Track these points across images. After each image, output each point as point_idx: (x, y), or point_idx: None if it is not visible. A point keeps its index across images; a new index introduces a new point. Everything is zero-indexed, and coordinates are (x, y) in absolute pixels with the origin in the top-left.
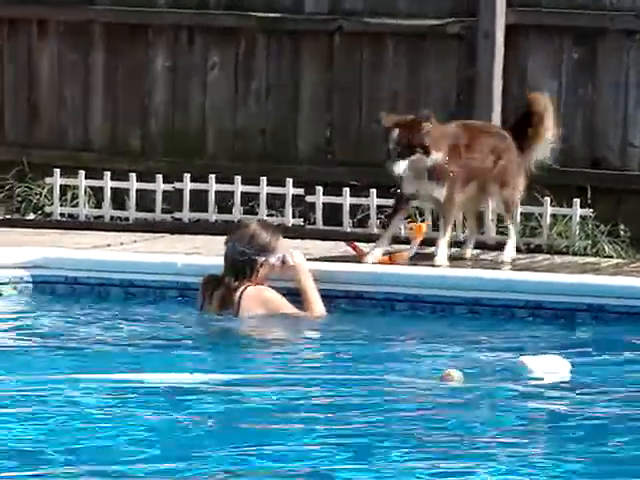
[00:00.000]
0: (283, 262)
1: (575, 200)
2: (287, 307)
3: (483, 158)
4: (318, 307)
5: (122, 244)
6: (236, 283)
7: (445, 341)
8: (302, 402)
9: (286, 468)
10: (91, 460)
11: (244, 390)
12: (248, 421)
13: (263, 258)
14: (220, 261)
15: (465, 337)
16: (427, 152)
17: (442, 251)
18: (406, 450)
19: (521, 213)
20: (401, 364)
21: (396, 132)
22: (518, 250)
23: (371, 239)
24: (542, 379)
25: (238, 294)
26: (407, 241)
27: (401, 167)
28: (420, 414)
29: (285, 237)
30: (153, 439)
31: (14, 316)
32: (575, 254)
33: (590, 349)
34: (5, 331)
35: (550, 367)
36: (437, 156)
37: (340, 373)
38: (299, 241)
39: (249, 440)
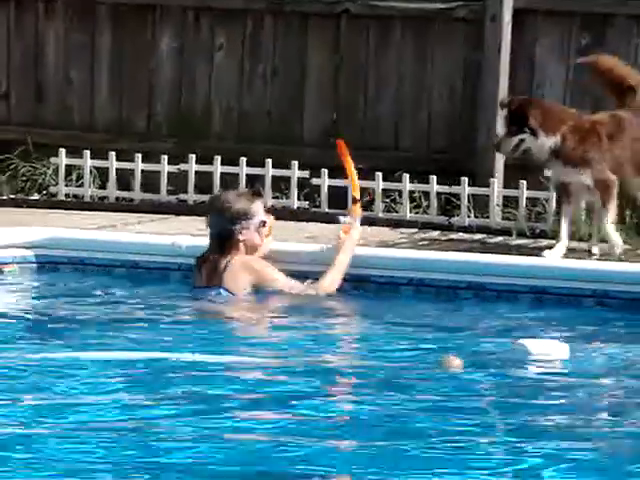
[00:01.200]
0: (264, 225)
1: None
2: (279, 279)
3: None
4: (326, 282)
5: (126, 225)
6: (220, 257)
7: (446, 327)
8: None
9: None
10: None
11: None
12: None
13: (239, 225)
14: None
15: (465, 322)
16: (535, 134)
17: (613, 235)
18: (407, 437)
19: (527, 198)
20: (399, 350)
21: (504, 111)
22: (522, 235)
23: (376, 222)
24: (542, 361)
25: (222, 266)
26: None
27: (504, 146)
28: (421, 399)
29: (290, 219)
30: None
31: (17, 295)
32: (581, 240)
33: (592, 334)
34: (7, 311)
35: (549, 350)
36: (554, 139)
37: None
38: (304, 224)
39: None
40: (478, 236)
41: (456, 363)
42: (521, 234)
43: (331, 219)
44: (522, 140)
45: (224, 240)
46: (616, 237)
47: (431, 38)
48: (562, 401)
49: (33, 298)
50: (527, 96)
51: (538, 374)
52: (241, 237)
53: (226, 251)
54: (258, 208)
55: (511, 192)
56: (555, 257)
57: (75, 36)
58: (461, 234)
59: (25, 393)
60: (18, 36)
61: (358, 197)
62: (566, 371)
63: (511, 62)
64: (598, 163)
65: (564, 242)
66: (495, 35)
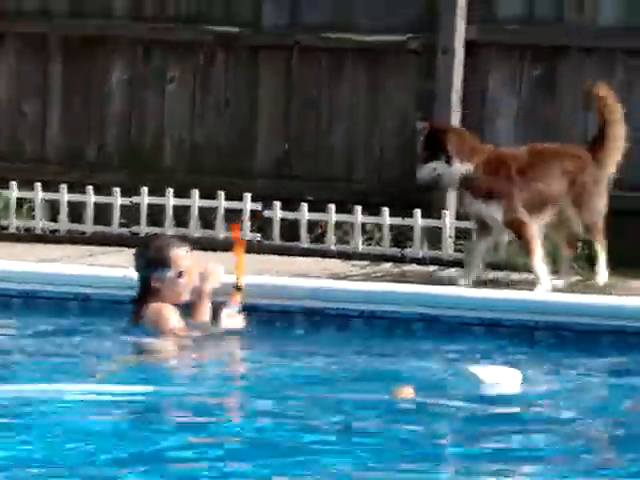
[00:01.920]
0: (180, 275)
1: None
2: (167, 331)
3: (553, 182)
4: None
5: (79, 257)
6: (140, 300)
7: (398, 356)
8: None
9: None
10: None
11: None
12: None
13: (155, 275)
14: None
15: (417, 351)
16: (449, 161)
17: (539, 271)
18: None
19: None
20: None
21: (421, 138)
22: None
23: (327, 254)
24: (493, 389)
25: (141, 310)
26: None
27: (420, 172)
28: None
29: (244, 252)
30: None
31: None
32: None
33: (547, 365)
34: None
35: (501, 377)
36: (465, 168)
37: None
38: (256, 256)
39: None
40: (431, 268)
41: (407, 392)
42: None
43: (284, 251)
44: (435, 167)
45: (141, 285)
46: (541, 273)
47: (384, 70)
48: (514, 428)
49: None
50: (445, 123)
51: (490, 401)
52: (159, 285)
53: (144, 296)
54: (177, 258)
55: (463, 224)
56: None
57: (26, 69)
58: (414, 266)
59: None
60: None
61: (241, 286)
62: (518, 397)
63: (463, 94)
64: (507, 200)
65: (472, 274)
66: (447, 67)
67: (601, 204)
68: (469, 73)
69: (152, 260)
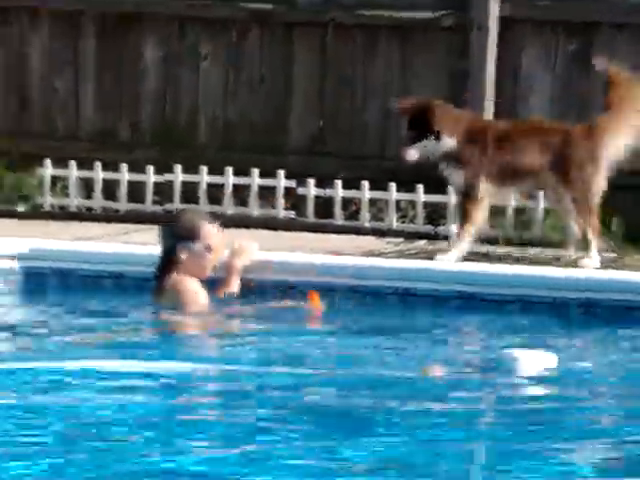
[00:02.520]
0: (208, 249)
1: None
2: (191, 305)
3: (530, 154)
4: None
5: (109, 235)
6: (162, 274)
7: (433, 335)
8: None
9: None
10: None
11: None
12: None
13: (182, 245)
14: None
15: (453, 331)
16: (438, 137)
17: (454, 252)
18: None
19: (514, 207)
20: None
21: (405, 117)
22: (510, 243)
23: (362, 232)
24: (529, 372)
25: (163, 285)
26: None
27: (410, 153)
28: (405, 407)
29: (275, 229)
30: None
31: (2, 306)
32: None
33: (581, 343)
34: None
35: (537, 360)
36: (451, 142)
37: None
38: (290, 233)
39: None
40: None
41: (436, 369)
42: (509, 242)
43: (317, 228)
44: (425, 145)
45: (166, 258)
46: (460, 247)
47: (417, 47)
48: (550, 412)
49: (17, 308)
50: (427, 100)
51: (526, 384)
52: (184, 258)
53: (166, 268)
54: (206, 231)
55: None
56: (451, 261)
57: (60, 45)
58: (447, 243)
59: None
60: (2, 46)
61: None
62: (554, 381)
63: (497, 71)
64: (471, 167)
65: (462, 246)
66: (481, 44)
67: (594, 183)
68: (502, 50)
69: (182, 230)
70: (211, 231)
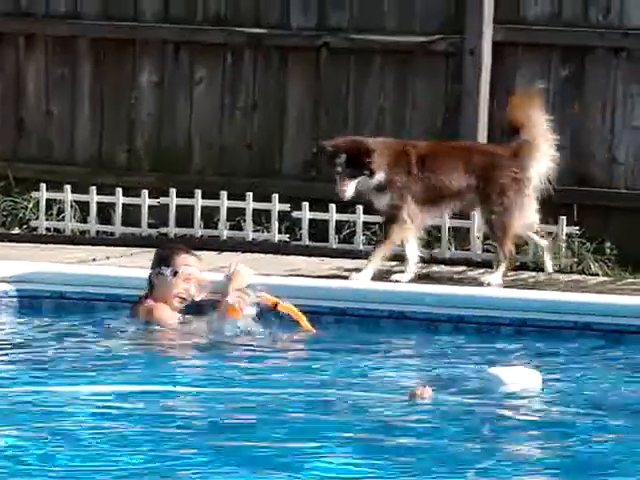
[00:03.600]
0: (175, 274)
1: (561, 218)
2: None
3: (454, 177)
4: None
5: (108, 258)
6: (143, 298)
7: (417, 356)
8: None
9: None
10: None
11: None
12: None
13: (156, 271)
14: (207, 275)
15: (440, 352)
16: (372, 173)
17: (367, 272)
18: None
19: None
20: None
21: (343, 156)
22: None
23: (357, 256)
24: (514, 390)
25: (136, 308)
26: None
27: (347, 191)
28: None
29: (269, 253)
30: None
31: None
32: (561, 271)
33: (571, 365)
34: None
35: (520, 378)
36: (381, 175)
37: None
38: (284, 257)
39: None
40: (459, 268)
41: (424, 391)
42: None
43: (312, 252)
44: (359, 181)
45: (148, 283)
46: (372, 268)
47: (411, 71)
48: (535, 430)
49: (14, 332)
50: (349, 137)
51: (511, 402)
52: (156, 283)
53: (147, 293)
54: (178, 259)
55: None
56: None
57: (56, 70)
58: (442, 266)
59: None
60: None
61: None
62: (538, 399)
63: (491, 94)
64: (396, 193)
65: (409, 270)
66: (474, 68)
67: (514, 207)
68: (496, 73)
69: (157, 257)
70: (183, 258)
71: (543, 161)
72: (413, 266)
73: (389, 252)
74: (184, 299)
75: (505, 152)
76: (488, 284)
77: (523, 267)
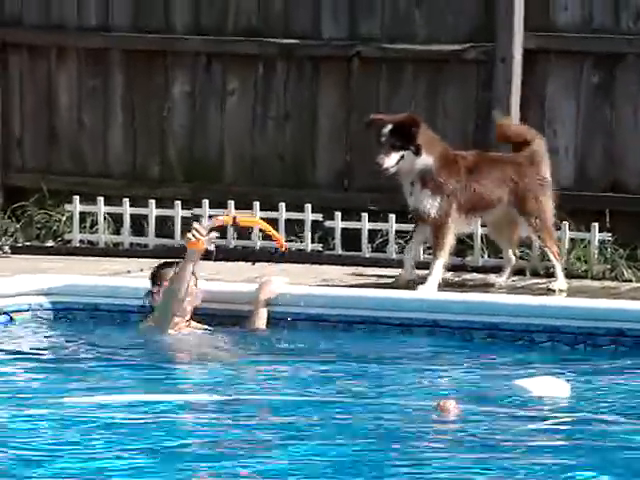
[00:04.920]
0: (151, 293)
1: (594, 224)
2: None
3: (493, 187)
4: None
5: (142, 270)
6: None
7: (443, 365)
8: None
9: None
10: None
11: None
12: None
13: (152, 288)
14: (241, 287)
15: (473, 361)
16: (418, 151)
17: (433, 282)
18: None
19: None
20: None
21: (389, 126)
22: (536, 274)
23: (390, 264)
24: (541, 400)
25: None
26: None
27: (388, 161)
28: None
29: (302, 263)
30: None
31: (33, 342)
32: (593, 278)
33: (603, 373)
34: (23, 358)
35: (548, 388)
36: (428, 160)
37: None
38: (317, 266)
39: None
40: (492, 276)
41: (450, 405)
42: (535, 274)
43: (345, 261)
44: (403, 155)
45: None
46: (437, 277)
47: (442, 79)
48: (563, 440)
49: (49, 345)
50: (411, 115)
51: (539, 412)
52: (156, 298)
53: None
54: (163, 274)
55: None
56: (430, 291)
57: (88, 82)
58: (474, 274)
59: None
60: (31, 83)
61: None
62: (567, 408)
63: (522, 102)
64: (446, 197)
65: (407, 274)
66: (505, 76)
67: (547, 210)
68: (527, 81)
69: (151, 276)
70: (167, 273)
71: (548, 167)
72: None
73: (448, 259)
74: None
75: (524, 160)
76: (560, 291)
77: (552, 275)
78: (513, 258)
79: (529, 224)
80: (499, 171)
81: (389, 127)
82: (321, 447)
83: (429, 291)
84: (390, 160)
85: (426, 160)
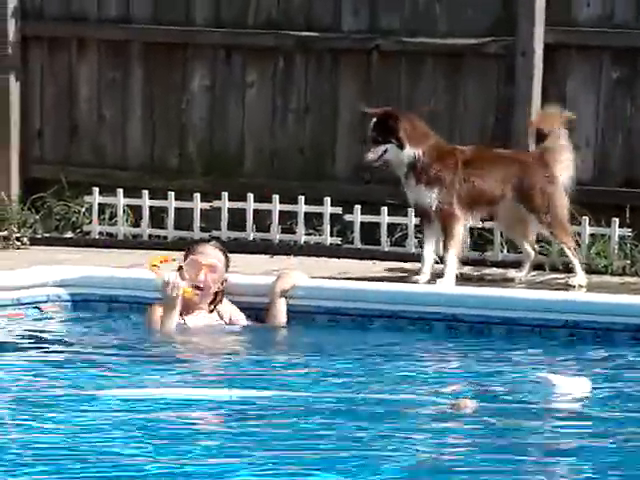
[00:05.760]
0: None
1: (614, 219)
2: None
3: (493, 181)
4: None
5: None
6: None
7: (466, 360)
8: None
9: None
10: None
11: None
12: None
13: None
14: (260, 280)
15: (492, 356)
16: (401, 145)
17: (450, 266)
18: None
19: None
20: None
21: (373, 120)
22: (555, 269)
23: (409, 258)
24: (562, 396)
25: None
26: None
27: (371, 155)
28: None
29: (321, 256)
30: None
31: (51, 333)
32: (613, 274)
33: (623, 369)
34: (41, 348)
35: (571, 385)
36: (414, 152)
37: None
38: (335, 260)
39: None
40: (512, 271)
41: (468, 403)
42: (554, 269)
43: (364, 255)
44: (386, 150)
45: None
46: (452, 269)
47: (462, 73)
48: (582, 439)
49: (67, 336)
50: (396, 109)
51: (560, 409)
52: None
53: None
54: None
55: None
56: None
57: (108, 74)
58: (494, 269)
59: (57, 423)
60: (52, 75)
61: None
62: (587, 406)
63: (542, 96)
64: (445, 189)
65: (426, 271)
66: (526, 70)
67: (559, 205)
68: (548, 75)
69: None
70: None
71: (565, 166)
72: (430, 267)
73: (461, 250)
74: (199, 288)
75: (530, 157)
76: (579, 286)
77: (571, 270)
78: (532, 253)
79: (539, 221)
80: (500, 166)
81: (373, 121)
82: (339, 443)
83: (447, 285)
84: (373, 153)
85: (412, 153)
